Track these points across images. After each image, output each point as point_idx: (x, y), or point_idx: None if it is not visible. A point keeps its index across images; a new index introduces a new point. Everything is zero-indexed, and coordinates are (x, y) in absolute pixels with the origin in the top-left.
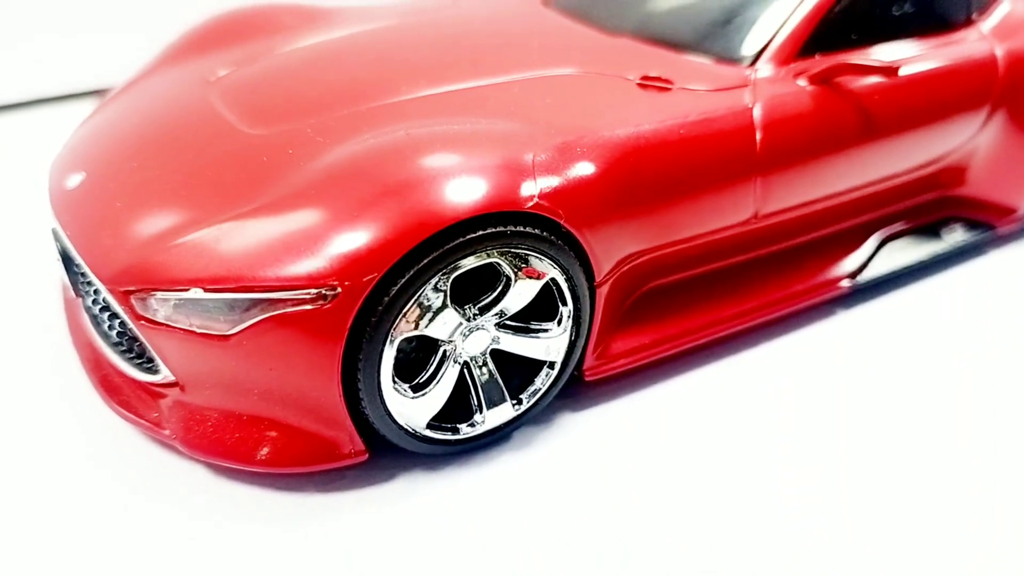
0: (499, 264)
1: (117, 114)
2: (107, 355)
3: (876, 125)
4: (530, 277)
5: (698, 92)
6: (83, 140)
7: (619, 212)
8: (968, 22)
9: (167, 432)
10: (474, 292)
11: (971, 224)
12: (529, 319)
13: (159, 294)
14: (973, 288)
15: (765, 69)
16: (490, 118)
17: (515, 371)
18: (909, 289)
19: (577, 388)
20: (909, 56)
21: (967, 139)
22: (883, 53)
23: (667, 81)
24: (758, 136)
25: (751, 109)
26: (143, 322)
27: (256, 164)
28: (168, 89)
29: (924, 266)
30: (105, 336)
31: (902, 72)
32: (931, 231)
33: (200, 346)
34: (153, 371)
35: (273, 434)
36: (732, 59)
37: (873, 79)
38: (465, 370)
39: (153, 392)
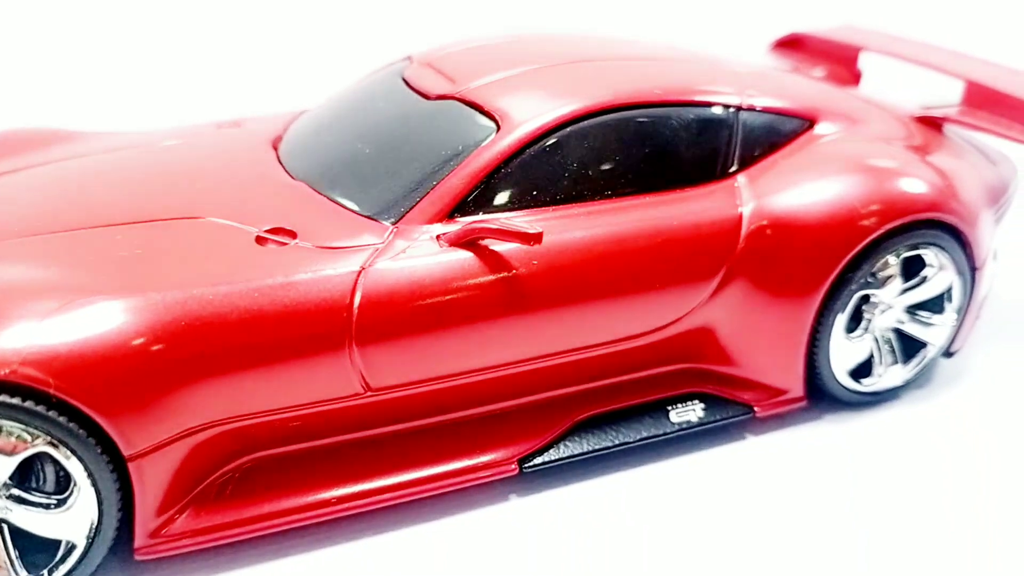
0: None
1: None
2: None
3: (536, 293)
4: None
5: (311, 251)
6: None
7: (170, 379)
8: (723, 176)
9: None
10: None
11: (726, 404)
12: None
13: None
14: (709, 477)
15: (405, 228)
16: (52, 267)
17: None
18: (627, 472)
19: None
20: (610, 213)
21: (690, 309)
22: (576, 212)
23: (290, 235)
24: (357, 301)
25: (363, 271)
26: None
27: None
28: None
29: (656, 445)
30: None
31: (566, 236)
32: (663, 408)
33: None
34: None
35: None
36: (376, 214)
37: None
38: None
39: None
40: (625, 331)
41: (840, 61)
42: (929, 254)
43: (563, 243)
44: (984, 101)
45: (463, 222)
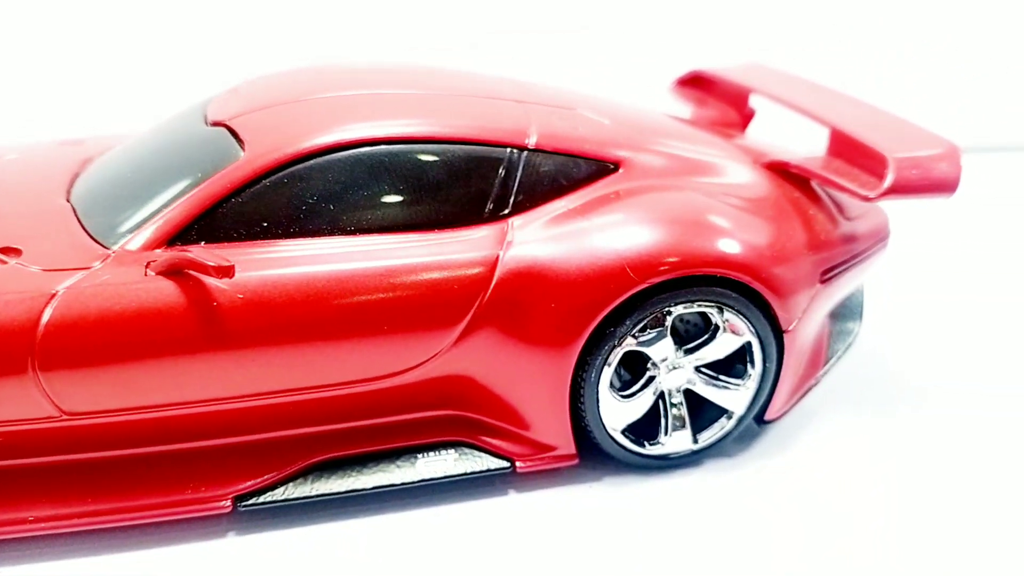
0: None
1: None
2: None
3: (240, 330)
4: None
5: (20, 271)
6: None
7: None
8: (494, 218)
9: None
10: None
11: (487, 456)
12: None
13: None
14: (457, 530)
15: (124, 254)
16: None
17: None
18: (371, 518)
19: None
20: (344, 251)
21: (431, 356)
22: (305, 247)
23: (15, 253)
24: (43, 324)
25: (55, 295)
26: None
27: None
28: None
29: (413, 491)
30: None
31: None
32: (414, 455)
33: None
34: None
35: None
36: (104, 238)
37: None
38: None
39: None
40: (354, 374)
41: (731, 102)
42: (714, 313)
43: (276, 279)
44: (844, 150)
45: (167, 252)
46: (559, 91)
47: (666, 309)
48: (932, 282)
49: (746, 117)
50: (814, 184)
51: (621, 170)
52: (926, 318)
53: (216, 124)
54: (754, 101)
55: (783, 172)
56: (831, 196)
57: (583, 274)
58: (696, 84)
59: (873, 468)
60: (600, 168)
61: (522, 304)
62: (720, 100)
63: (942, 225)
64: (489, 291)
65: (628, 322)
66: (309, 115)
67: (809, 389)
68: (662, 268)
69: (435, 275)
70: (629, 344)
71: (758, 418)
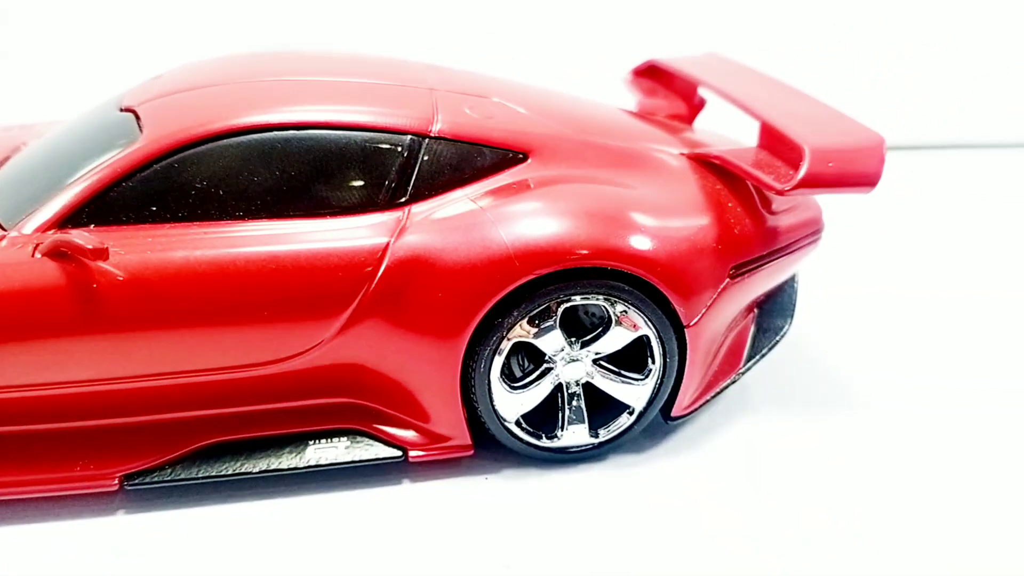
0: None
1: None
2: None
3: (121, 313)
4: None
5: None
6: None
7: None
8: (389, 206)
9: None
10: None
11: (380, 445)
12: None
13: None
14: (345, 517)
15: (17, 237)
16: None
17: None
18: (266, 502)
19: None
20: (229, 236)
21: (316, 343)
22: (194, 232)
23: None
24: None
25: None
26: None
27: None
28: None
29: (311, 476)
30: None
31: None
32: (306, 441)
33: None
34: None
35: None
36: (5, 221)
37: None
38: None
39: None
40: (236, 360)
41: (681, 93)
42: (606, 306)
43: (158, 263)
44: (771, 142)
45: (54, 235)
46: (480, 79)
47: (557, 301)
48: (870, 277)
49: (695, 108)
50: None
51: (530, 160)
52: (861, 314)
53: (125, 110)
54: (704, 92)
55: (707, 164)
56: (758, 190)
57: (471, 264)
58: (650, 75)
59: (787, 469)
60: (507, 157)
61: (410, 293)
62: (670, 91)
63: (880, 220)
64: (376, 280)
65: (516, 313)
66: (212, 101)
67: (725, 387)
68: (549, 259)
69: (319, 263)
70: (520, 335)
71: (666, 415)
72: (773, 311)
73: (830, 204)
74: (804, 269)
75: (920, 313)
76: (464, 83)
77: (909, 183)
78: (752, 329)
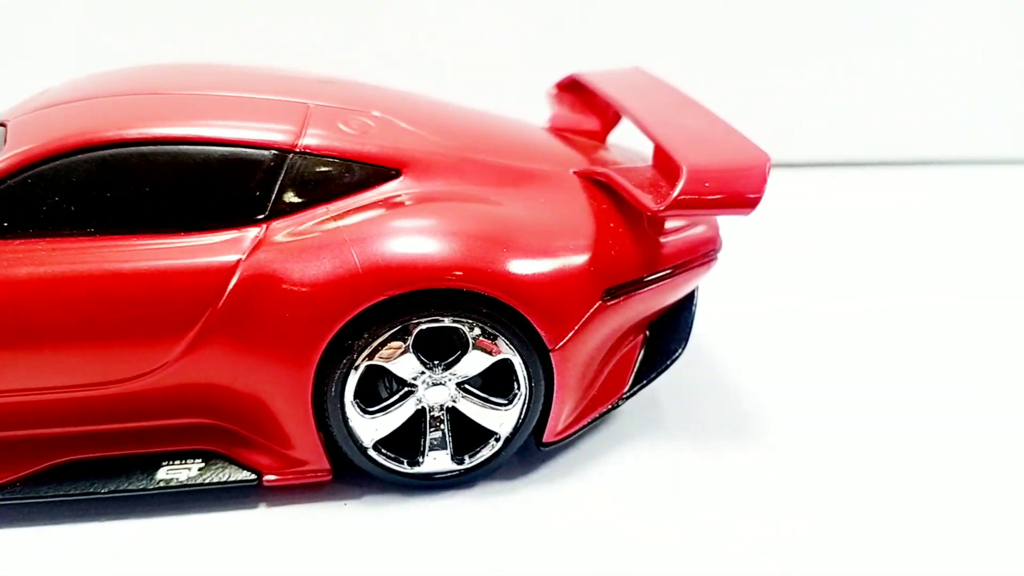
0: None
1: None
2: None
3: None
4: None
5: None
6: None
7: None
8: (246, 223)
9: None
10: None
11: (235, 468)
12: None
13: None
14: (190, 543)
15: None
16: None
17: None
18: (110, 523)
19: None
20: (69, 253)
21: (160, 365)
22: (38, 248)
23: None
24: None
25: None
26: None
27: None
28: None
29: (161, 498)
30: None
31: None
32: (158, 462)
33: None
34: None
35: None
36: None
37: None
38: None
39: None
40: (78, 379)
41: (596, 109)
42: (464, 329)
43: (1, 280)
44: (660, 161)
45: None
46: (371, 92)
47: (413, 324)
48: (769, 293)
49: (608, 123)
50: None
51: (403, 176)
52: (763, 331)
53: (1, 123)
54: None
55: (597, 183)
56: None
57: (319, 283)
58: (571, 89)
59: (667, 498)
60: (378, 173)
61: (259, 313)
62: (587, 106)
63: (785, 239)
64: (223, 299)
65: (367, 335)
66: (76, 116)
67: (606, 412)
68: (399, 280)
69: (162, 281)
70: (371, 358)
71: (539, 441)
72: (667, 334)
73: (733, 224)
74: (706, 288)
75: (820, 327)
76: (350, 97)
77: (829, 198)
78: (640, 352)
